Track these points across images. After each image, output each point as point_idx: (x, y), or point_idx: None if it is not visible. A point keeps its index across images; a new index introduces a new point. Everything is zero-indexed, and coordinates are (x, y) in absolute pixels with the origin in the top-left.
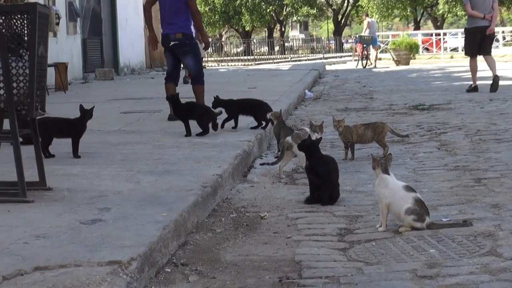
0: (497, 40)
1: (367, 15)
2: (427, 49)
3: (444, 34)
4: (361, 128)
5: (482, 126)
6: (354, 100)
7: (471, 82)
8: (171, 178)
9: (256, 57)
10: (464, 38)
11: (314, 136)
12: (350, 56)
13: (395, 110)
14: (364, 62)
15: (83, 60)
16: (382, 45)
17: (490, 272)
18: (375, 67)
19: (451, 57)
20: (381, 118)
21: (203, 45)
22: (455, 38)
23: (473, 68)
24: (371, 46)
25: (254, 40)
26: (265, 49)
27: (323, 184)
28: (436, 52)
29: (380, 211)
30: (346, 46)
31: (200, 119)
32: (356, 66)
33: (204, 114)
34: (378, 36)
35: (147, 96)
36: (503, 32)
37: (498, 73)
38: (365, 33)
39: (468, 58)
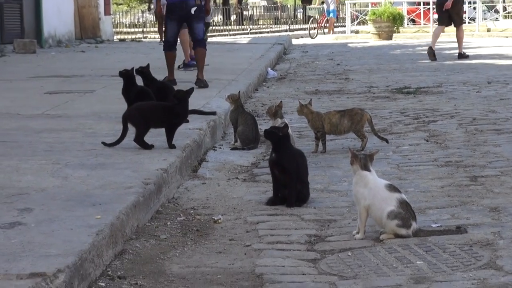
0: (497, 12)
1: None
2: (413, 20)
3: (434, 3)
4: (336, 116)
5: (478, 113)
6: (326, 81)
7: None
8: (106, 173)
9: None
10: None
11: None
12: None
13: (375, 93)
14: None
15: None
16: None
17: None
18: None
19: (442, 31)
20: (359, 103)
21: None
22: None
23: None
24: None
25: None
26: (219, 18)
27: (290, 182)
28: (424, 24)
29: (358, 215)
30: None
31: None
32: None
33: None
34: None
35: (77, 74)
36: (503, 2)
37: (498, 50)
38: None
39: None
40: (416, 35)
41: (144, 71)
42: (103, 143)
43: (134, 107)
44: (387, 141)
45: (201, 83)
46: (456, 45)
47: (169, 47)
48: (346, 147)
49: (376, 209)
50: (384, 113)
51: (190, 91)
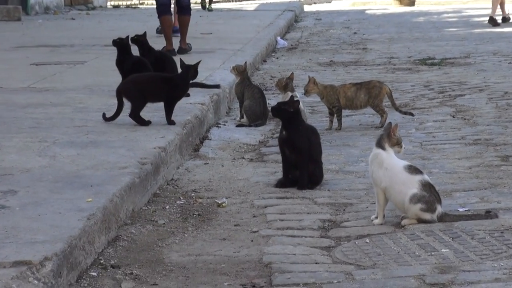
0: None
1: None
2: None
3: None
4: (351, 89)
5: (510, 87)
6: (342, 51)
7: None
8: (98, 152)
9: None
10: None
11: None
12: None
13: (396, 65)
14: None
15: None
16: None
17: None
18: None
19: None
20: (378, 75)
21: None
22: None
23: None
24: None
25: None
26: None
27: (301, 162)
28: None
29: (376, 198)
30: None
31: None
32: None
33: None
34: None
35: (66, 43)
36: None
37: None
38: None
39: None
40: (441, 1)
41: (140, 40)
42: (104, 114)
43: (130, 79)
44: (412, 115)
45: (184, 52)
46: (486, 11)
47: (163, 10)
48: (363, 123)
49: (396, 193)
50: (406, 87)
51: (197, 64)
